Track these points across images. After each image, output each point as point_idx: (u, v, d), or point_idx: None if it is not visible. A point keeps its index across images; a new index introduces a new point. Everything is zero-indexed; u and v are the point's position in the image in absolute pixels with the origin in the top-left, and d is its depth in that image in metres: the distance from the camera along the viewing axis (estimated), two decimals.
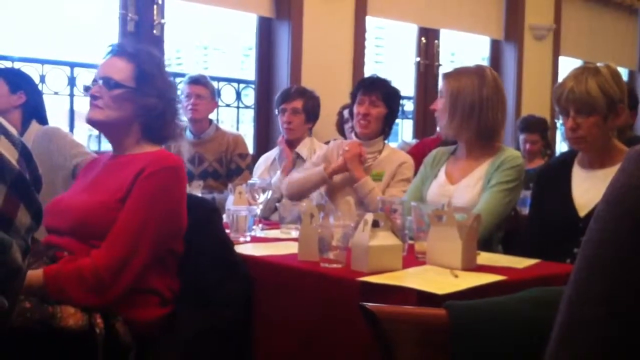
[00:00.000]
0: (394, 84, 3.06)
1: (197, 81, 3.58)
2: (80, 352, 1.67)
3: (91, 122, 1.98)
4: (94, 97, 1.94)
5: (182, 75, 3.75)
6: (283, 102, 3.51)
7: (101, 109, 1.93)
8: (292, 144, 3.51)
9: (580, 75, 2.16)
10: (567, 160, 2.36)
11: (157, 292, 1.86)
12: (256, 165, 3.63)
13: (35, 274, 1.71)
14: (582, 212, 2.21)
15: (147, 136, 1.99)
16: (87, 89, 1.98)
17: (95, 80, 1.96)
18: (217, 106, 3.91)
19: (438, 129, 4.21)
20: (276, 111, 3.60)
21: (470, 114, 2.46)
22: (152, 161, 1.87)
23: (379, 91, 2.96)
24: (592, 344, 0.63)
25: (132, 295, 1.80)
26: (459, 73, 2.55)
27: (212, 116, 3.78)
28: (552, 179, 2.36)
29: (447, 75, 2.55)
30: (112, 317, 1.74)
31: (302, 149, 3.48)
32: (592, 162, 2.27)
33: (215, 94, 3.79)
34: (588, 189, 2.22)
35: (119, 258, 1.76)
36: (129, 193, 1.84)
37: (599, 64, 2.22)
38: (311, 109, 3.54)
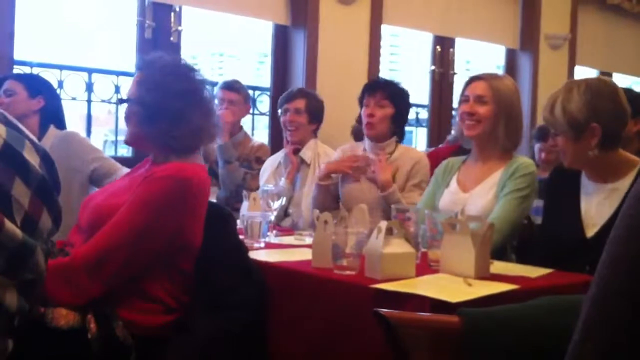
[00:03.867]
0: (409, 91, 3.05)
1: (230, 87, 3.59)
2: (74, 354, 1.68)
3: (126, 144, 2.11)
4: (125, 115, 1.99)
5: None
6: (285, 103, 3.42)
7: (128, 129, 1.99)
8: (297, 148, 3.39)
9: (554, 96, 2.16)
10: (574, 171, 2.29)
11: (160, 302, 1.84)
12: (262, 169, 3.50)
13: None
14: (590, 233, 2.16)
15: (172, 146, 1.90)
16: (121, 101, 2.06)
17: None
18: (251, 112, 3.88)
19: (456, 132, 4.16)
20: (279, 112, 3.48)
21: (515, 120, 2.48)
22: (164, 169, 1.83)
23: (382, 90, 2.95)
24: (615, 335, 0.63)
25: (132, 301, 1.80)
26: (496, 77, 2.53)
27: None
28: (562, 190, 2.30)
29: (486, 79, 2.50)
30: (112, 320, 1.74)
31: (306, 152, 3.35)
32: (594, 177, 2.21)
33: (248, 100, 3.77)
34: (596, 204, 2.17)
35: (96, 257, 1.73)
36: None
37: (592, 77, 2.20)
38: (315, 110, 3.40)
